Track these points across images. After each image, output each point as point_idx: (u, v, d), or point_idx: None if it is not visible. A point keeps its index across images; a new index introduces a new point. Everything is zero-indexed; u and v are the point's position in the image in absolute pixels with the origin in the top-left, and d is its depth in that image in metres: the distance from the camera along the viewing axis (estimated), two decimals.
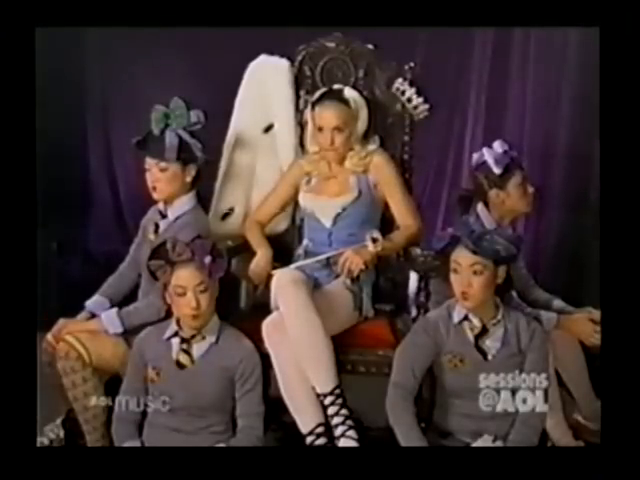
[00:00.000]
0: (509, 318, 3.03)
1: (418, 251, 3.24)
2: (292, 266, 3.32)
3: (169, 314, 3.15)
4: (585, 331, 3.27)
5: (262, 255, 3.35)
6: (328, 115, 3.37)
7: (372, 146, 3.47)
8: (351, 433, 3.07)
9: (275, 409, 3.18)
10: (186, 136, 3.31)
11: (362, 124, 3.47)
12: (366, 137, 3.48)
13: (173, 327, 3.10)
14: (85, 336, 3.20)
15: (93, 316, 3.32)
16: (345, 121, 3.38)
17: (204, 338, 3.08)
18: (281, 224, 3.61)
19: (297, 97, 3.60)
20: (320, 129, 3.39)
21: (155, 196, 3.34)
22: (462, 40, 4.69)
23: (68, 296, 3.99)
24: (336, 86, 3.50)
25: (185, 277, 3.00)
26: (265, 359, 3.12)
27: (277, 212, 3.54)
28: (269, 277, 3.27)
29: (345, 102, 3.40)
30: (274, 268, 3.31)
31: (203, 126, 3.36)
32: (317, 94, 3.47)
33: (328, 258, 3.34)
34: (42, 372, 3.12)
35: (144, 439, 3.09)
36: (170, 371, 3.07)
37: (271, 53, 3.61)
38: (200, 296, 3.01)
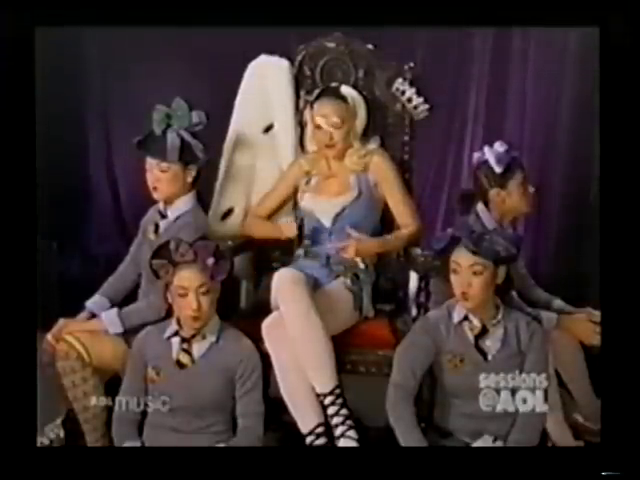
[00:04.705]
0: (509, 318, 3.03)
1: (418, 251, 3.24)
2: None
3: (169, 314, 3.15)
4: (585, 331, 3.27)
5: (285, 224, 3.39)
6: (326, 111, 3.37)
7: (372, 145, 3.48)
8: (351, 433, 3.07)
9: (275, 409, 3.18)
10: (188, 137, 3.31)
11: (360, 122, 3.48)
12: (365, 136, 3.49)
13: (173, 327, 3.10)
14: (85, 336, 3.20)
15: (93, 316, 3.32)
16: (343, 117, 3.38)
17: (204, 338, 3.08)
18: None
19: (297, 97, 3.60)
20: (318, 126, 3.39)
21: (155, 196, 3.34)
22: (462, 40, 4.69)
23: (68, 296, 3.99)
24: (333, 84, 3.51)
25: (187, 278, 3.00)
26: (265, 359, 3.13)
27: (276, 211, 3.53)
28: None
29: (342, 99, 3.41)
30: (276, 267, 3.31)
31: (204, 126, 3.36)
32: (315, 93, 3.47)
33: (328, 258, 3.34)
34: (42, 372, 3.12)
35: (144, 439, 3.09)
36: (170, 371, 3.07)
37: (271, 53, 3.61)
38: (201, 298, 3.00)
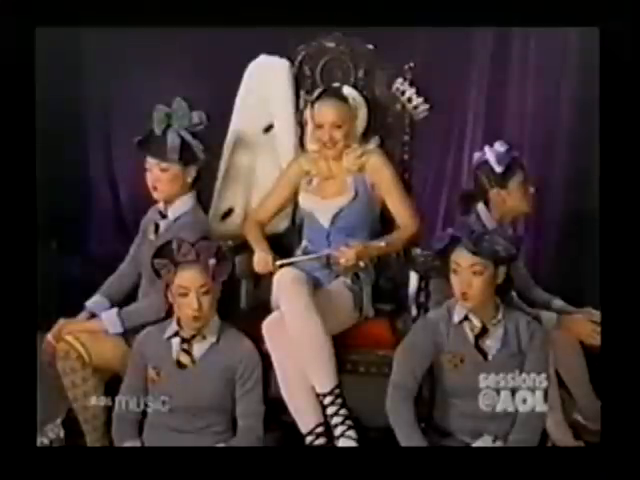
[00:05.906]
0: (509, 318, 3.03)
1: (418, 251, 3.24)
2: (290, 260, 3.32)
3: (169, 314, 3.15)
4: (585, 331, 3.27)
5: (261, 257, 3.32)
6: (327, 112, 3.37)
7: (370, 146, 3.47)
8: (350, 433, 3.07)
9: (275, 409, 3.18)
10: (188, 137, 3.30)
11: (361, 122, 3.48)
12: (365, 136, 3.49)
13: (173, 327, 3.10)
14: (85, 336, 3.20)
15: (93, 316, 3.32)
16: (343, 118, 3.38)
17: (205, 338, 3.08)
18: (281, 224, 3.61)
19: (297, 97, 3.60)
20: (319, 126, 3.39)
21: (155, 196, 3.34)
22: (462, 40, 4.69)
23: (68, 296, 3.98)
24: (333, 84, 3.51)
25: (188, 278, 3.00)
26: (265, 359, 3.13)
27: (277, 211, 3.53)
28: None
29: (343, 99, 3.41)
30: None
31: (204, 126, 3.36)
32: (316, 92, 3.47)
33: (328, 258, 3.34)
34: (42, 372, 3.11)
35: (144, 439, 3.09)
36: (170, 371, 3.07)
37: (271, 53, 3.61)
38: (202, 298, 3.00)
